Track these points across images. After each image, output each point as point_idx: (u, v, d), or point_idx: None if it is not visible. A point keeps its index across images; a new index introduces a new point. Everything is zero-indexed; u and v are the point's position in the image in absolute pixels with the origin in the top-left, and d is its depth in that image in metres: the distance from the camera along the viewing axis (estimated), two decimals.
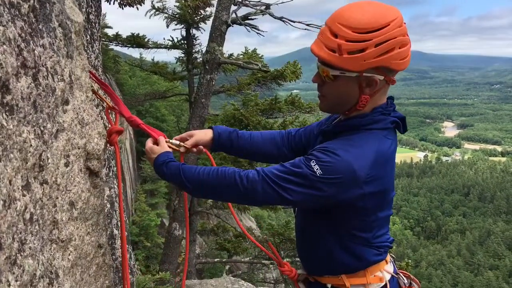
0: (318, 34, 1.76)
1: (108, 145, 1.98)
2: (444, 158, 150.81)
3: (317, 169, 1.65)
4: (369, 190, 1.71)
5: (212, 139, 2.22)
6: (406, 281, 2.05)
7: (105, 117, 2.63)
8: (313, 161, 1.67)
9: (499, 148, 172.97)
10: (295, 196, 1.71)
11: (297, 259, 8.92)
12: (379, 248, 1.91)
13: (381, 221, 1.88)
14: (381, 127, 1.80)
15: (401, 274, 2.06)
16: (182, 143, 2.17)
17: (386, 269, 1.96)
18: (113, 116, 2.17)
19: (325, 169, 1.65)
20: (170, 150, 2.06)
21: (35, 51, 1.20)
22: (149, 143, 2.10)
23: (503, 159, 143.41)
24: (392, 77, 1.76)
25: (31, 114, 1.17)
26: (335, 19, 1.69)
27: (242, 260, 11.41)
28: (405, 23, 1.71)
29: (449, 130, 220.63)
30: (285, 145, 2.29)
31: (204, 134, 2.21)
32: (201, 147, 2.20)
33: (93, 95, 1.86)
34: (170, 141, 2.14)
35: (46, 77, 1.28)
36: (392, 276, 1.98)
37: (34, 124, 1.19)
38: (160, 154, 2.00)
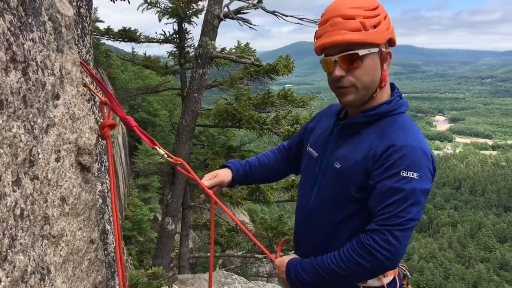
0: (327, 28, 1.78)
1: (100, 139, 1.96)
2: (435, 152, 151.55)
3: (412, 174, 1.67)
4: (435, 168, 1.80)
5: (232, 176, 2.30)
6: (407, 273, 2.09)
7: (96, 111, 2.62)
8: (403, 171, 1.68)
9: (490, 142, 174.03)
10: (420, 214, 1.73)
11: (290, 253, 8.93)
12: None
13: None
14: (404, 110, 1.89)
15: (401, 266, 2.09)
16: (170, 154, 2.15)
17: None
18: (106, 110, 2.15)
19: (415, 167, 1.68)
20: (283, 255, 2.09)
21: (25, 45, 1.19)
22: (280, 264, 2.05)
23: (494, 152, 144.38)
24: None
25: (21, 109, 1.16)
26: (341, 8, 1.76)
27: (235, 254, 11.43)
28: None
29: (441, 124, 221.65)
30: (284, 158, 2.39)
31: (226, 175, 2.28)
32: (214, 189, 2.25)
33: (85, 89, 1.84)
34: (168, 154, 2.13)
35: (36, 71, 1.26)
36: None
37: (24, 119, 1.18)
38: (289, 263, 1.97)
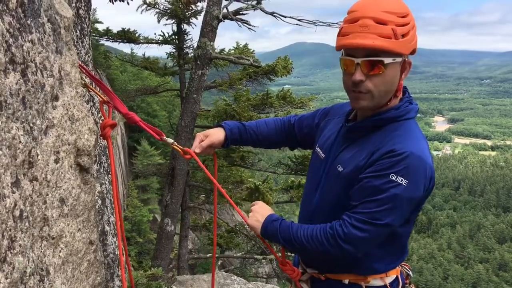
0: (356, 28, 1.69)
1: (99, 140, 1.96)
2: (434, 153, 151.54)
3: (401, 179, 1.66)
4: (433, 178, 1.78)
5: (225, 137, 2.25)
6: (410, 273, 2.10)
7: (95, 112, 2.62)
8: (392, 175, 1.67)
9: (489, 143, 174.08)
10: (397, 221, 1.73)
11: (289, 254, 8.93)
12: (406, 253, 2.00)
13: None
14: (413, 116, 1.87)
15: (404, 266, 2.10)
16: (187, 149, 2.17)
17: None
18: (106, 109, 2.14)
19: (406, 174, 1.66)
20: (272, 210, 2.08)
21: (24, 47, 1.19)
22: (255, 212, 2.08)
23: (493, 153, 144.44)
24: None
25: (20, 110, 1.16)
26: (377, 8, 1.68)
27: (235, 255, 11.43)
28: None
29: (440, 124, 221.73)
30: (284, 132, 2.36)
31: (218, 134, 2.24)
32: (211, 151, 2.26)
33: (84, 90, 1.84)
34: (176, 144, 2.15)
35: (35, 72, 1.26)
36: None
37: (23, 120, 1.18)
38: (268, 216, 2.01)
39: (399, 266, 2.02)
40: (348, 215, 1.76)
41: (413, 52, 1.77)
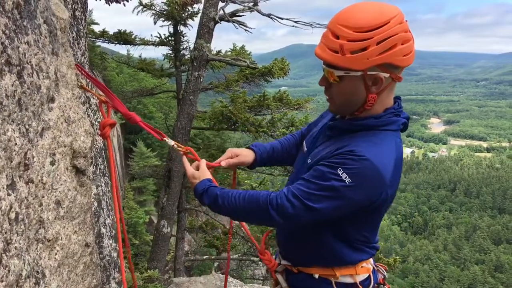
0: (321, 38, 1.78)
1: (95, 141, 1.96)
2: (430, 154, 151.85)
3: (346, 177, 1.67)
4: (390, 193, 1.77)
5: (254, 160, 2.33)
6: (385, 274, 2.12)
7: (91, 114, 2.61)
8: (340, 169, 1.68)
9: (484, 144, 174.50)
10: (327, 212, 1.73)
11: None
12: (374, 249, 2.00)
13: (381, 220, 1.97)
14: (394, 129, 1.85)
15: (380, 267, 2.12)
16: (188, 148, 2.26)
17: (370, 261, 2.05)
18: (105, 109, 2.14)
19: (354, 176, 1.66)
20: (210, 176, 2.12)
21: (20, 48, 1.19)
22: (189, 169, 2.16)
23: (489, 155, 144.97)
24: (398, 74, 1.76)
25: (15, 112, 1.16)
26: (336, 21, 1.71)
27: (231, 257, 11.40)
28: (406, 21, 1.72)
29: (436, 126, 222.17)
30: (298, 144, 2.40)
31: (249, 157, 2.32)
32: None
33: (80, 91, 1.84)
34: (178, 144, 2.21)
35: (31, 74, 1.26)
36: (373, 268, 2.06)
37: (19, 122, 1.18)
38: (200, 182, 2.06)
39: (371, 264, 2.04)
40: (288, 188, 1.81)
41: (388, 67, 1.70)
